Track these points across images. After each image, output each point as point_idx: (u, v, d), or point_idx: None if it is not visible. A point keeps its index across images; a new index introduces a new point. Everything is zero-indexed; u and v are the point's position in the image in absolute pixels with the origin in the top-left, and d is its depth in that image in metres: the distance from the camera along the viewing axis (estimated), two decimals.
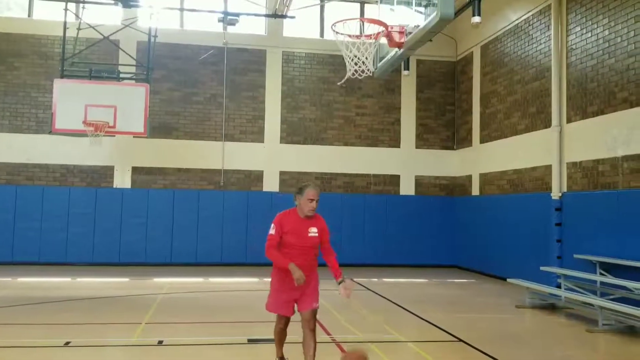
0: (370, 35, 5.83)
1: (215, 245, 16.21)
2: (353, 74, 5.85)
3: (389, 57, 7.07)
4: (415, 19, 6.20)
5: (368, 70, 5.85)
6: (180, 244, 16.07)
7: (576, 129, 11.59)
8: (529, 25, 13.39)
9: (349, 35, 5.88)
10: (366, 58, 5.72)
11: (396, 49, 6.57)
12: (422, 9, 6.05)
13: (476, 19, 6.48)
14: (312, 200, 5.34)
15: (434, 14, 5.58)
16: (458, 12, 8.76)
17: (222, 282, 13.31)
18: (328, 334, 7.76)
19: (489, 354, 6.94)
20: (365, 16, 7.13)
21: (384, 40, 6.91)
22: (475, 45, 16.13)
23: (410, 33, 6.15)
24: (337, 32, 5.82)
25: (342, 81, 6.67)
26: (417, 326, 8.81)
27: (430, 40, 6.93)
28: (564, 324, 9.29)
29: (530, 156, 13.19)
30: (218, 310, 9.84)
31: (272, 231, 5.33)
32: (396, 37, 6.21)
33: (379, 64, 7.55)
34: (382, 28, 5.95)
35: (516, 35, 13.99)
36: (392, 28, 6.27)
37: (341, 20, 5.85)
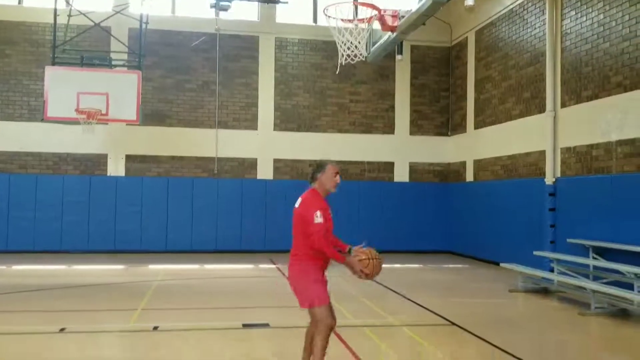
0: (363, 19, 5.79)
1: (210, 232, 16.20)
2: (346, 59, 5.81)
3: (382, 41, 7.03)
4: (409, 2, 6.15)
5: (361, 55, 5.81)
6: (175, 231, 16.06)
7: (570, 113, 11.60)
8: (524, 10, 13.34)
9: (342, 20, 5.84)
10: (359, 42, 5.67)
11: (389, 33, 6.53)
12: None
13: (469, 1, 6.44)
14: (337, 173, 4.83)
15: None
16: None
17: (217, 269, 13.32)
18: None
19: (483, 338, 6.98)
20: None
21: (377, 25, 6.88)
22: (470, 30, 16.07)
23: (403, 17, 6.11)
24: (329, 16, 5.78)
25: (338, 69, 6.60)
26: (411, 311, 8.84)
27: (424, 24, 6.90)
28: (556, 307, 9.36)
29: (524, 142, 13.21)
30: (213, 296, 9.85)
31: (319, 219, 4.54)
32: (389, 21, 6.17)
33: (372, 49, 7.50)
34: (375, 12, 5.91)
35: (511, 19, 13.94)
36: (385, 11, 6.23)
37: (334, 4, 5.80)
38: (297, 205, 4.76)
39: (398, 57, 9.28)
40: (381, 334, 7.13)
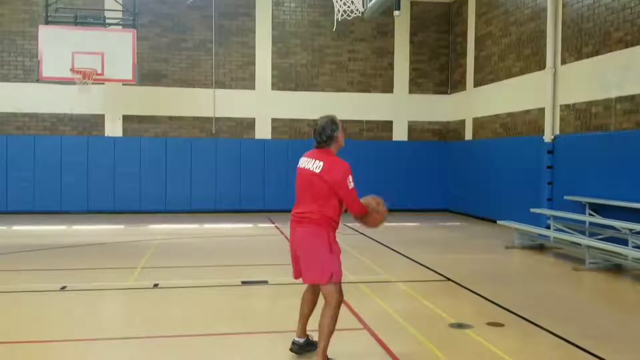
0: None
1: (209, 192, 16.27)
2: (342, 15, 5.72)
3: None
4: None
5: (357, 10, 5.71)
6: (173, 191, 16.12)
7: (570, 70, 11.48)
8: None
9: None
10: None
11: None
12: None
13: (396, 12, 6.30)
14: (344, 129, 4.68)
15: None
16: None
17: (215, 228, 13.43)
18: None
19: (474, 291, 7.10)
20: None
21: None
22: None
23: None
24: None
25: (335, 25, 6.50)
26: (407, 267, 8.96)
27: None
28: (551, 262, 9.48)
29: (523, 99, 13.12)
30: (212, 255, 9.97)
31: (352, 184, 4.36)
32: None
33: (369, 4, 7.36)
34: None
35: None
36: None
37: None
38: (314, 168, 4.36)
39: (396, 12, 9.11)
40: (376, 289, 7.24)
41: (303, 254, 4.41)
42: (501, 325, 5.75)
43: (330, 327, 4.31)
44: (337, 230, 4.53)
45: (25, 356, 4.87)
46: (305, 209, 4.41)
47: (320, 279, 4.34)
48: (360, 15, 5.87)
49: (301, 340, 4.69)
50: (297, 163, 4.60)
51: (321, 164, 4.35)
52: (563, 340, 5.28)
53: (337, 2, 5.74)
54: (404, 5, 16.39)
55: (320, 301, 4.58)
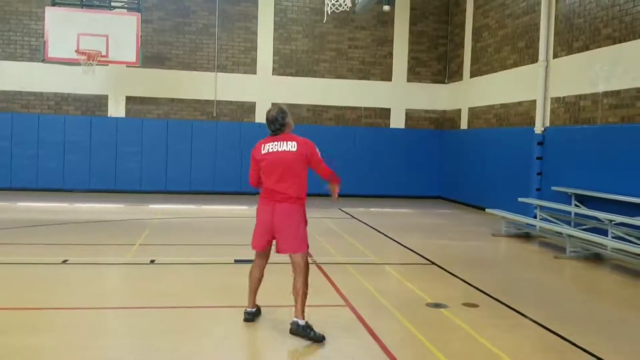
0: None
1: (209, 174, 16.65)
2: (331, 9, 6.03)
3: None
4: None
5: (346, 5, 6.02)
6: (174, 172, 16.50)
7: (562, 64, 11.76)
8: None
9: None
10: None
11: None
12: None
13: (386, 7, 6.60)
14: None
15: None
16: None
17: (214, 209, 13.82)
18: (309, 256, 8.27)
19: (455, 274, 7.48)
20: None
21: None
22: None
23: None
24: None
25: (325, 18, 6.85)
26: (395, 251, 9.34)
27: None
28: (534, 250, 9.85)
29: (516, 91, 13.41)
30: (208, 234, 10.37)
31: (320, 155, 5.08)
32: None
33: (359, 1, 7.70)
34: None
35: None
36: None
37: None
38: (289, 148, 4.92)
39: (385, 7, 9.40)
40: (362, 270, 7.62)
41: (283, 227, 4.97)
42: (476, 306, 6.12)
43: (305, 289, 4.98)
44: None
45: (21, 321, 5.26)
46: (280, 188, 4.96)
47: (300, 248, 4.99)
48: (347, 9, 6.17)
49: (253, 309, 5.37)
50: None
51: (294, 143, 4.97)
52: (531, 320, 5.66)
53: None
54: None
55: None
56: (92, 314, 5.57)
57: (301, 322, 4.90)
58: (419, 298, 6.35)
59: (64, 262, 7.59)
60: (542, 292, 6.99)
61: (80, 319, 5.37)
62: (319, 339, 4.82)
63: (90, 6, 13.83)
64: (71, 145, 16.02)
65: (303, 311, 4.95)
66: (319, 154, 5.06)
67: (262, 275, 5.32)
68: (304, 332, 4.86)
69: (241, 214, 13.20)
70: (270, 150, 4.99)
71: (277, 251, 5.07)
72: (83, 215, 12.11)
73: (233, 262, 7.89)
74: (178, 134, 16.52)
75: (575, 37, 11.28)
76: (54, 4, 13.49)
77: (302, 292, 4.96)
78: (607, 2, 10.32)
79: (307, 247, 5.07)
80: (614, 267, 8.61)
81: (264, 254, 5.24)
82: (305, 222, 5.08)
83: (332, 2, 5.94)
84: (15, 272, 7.12)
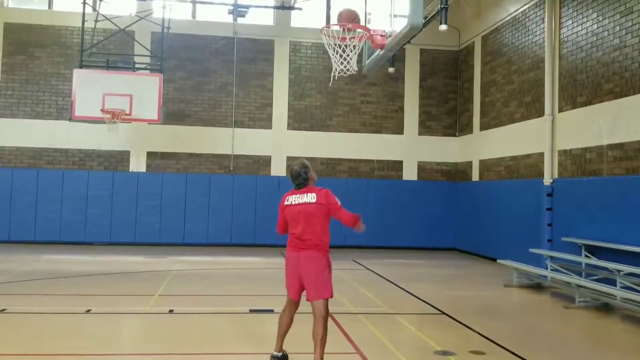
0: (354, 37, 6.51)
1: (226, 226, 17.04)
2: (339, 73, 6.52)
3: (374, 56, 7.82)
4: (397, 23, 6.89)
5: (352, 69, 6.53)
6: (192, 225, 16.93)
7: (567, 118, 12.15)
8: (526, 17, 13.90)
9: (337, 37, 6.57)
10: (351, 58, 6.41)
11: (379, 50, 7.38)
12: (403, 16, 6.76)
13: (443, 27, 7.12)
14: None
15: (406, 23, 6.28)
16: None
17: (230, 261, 14.13)
18: None
19: (465, 324, 7.66)
20: (368, 9, 7.88)
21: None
22: (477, 35, 16.64)
23: (390, 36, 6.82)
24: (325, 35, 6.51)
25: (331, 81, 7.38)
26: (406, 301, 9.53)
27: (409, 43, 7.60)
28: (544, 301, 9.97)
29: (524, 144, 13.78)
30: (225, 285, 10.66)
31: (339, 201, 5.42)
32: (378, 40, 6.90)
33: (367, 62, 8.24)
34: (365, 32, 6.65)
35: (514, 26, 14.50)
36: (374, 32, 6.97)
37: (327, 26, 6.55)
38: (309, 200, 5.33)
39: (390, 69, 10.01)
40: (373, 320, 7.83)
41: (309, 275, 5.28)
42: (482, 353, 6.31)
43: (325, 335, 5.21)
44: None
45: None
46: (304, 237, 5.32)
47: (321, 294, 5.23)
48: (354, 72, 6.66)
49: (280, 354, 5.58)
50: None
51: (314, 194, 5.38)
52: None
53: (335, 62, 6.55)
54: (413, 52, 17.36)
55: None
56: (114, 359, 5.87)
57: None
58: (427, 346, 6.55)
59: (88, 311, 7.93)
60: (550, 341, 7.14)
61: None
62: None
63: (115, 68, 14.61)
64: (93, 199, 16.59)
65: (322, 356, 5.17)
66: (338, 202, 5.34)
67: (291, 321, 5.56)
68: None
69: (256, 265, 13.48)
70: (293, 202, 5.43)
71: (307, 299, 5.33)
72: (104, 267, 12.50)
73: (248, 311, 8.16)
74: (196, 188, 17.05)
75: (579, 92, 11.71)
76: (81, 67, 14.30)
77: (321, 338, 5.17)
78: (608, 59, 10.79)
79: (330, 294, 5.26)
80: (623, 316, 8.71)
81: (294, 302, 5.52)
82: (330, 269, 5.35)
83: (340, 67, 6.43)
84: (42, 321, 7.45)
